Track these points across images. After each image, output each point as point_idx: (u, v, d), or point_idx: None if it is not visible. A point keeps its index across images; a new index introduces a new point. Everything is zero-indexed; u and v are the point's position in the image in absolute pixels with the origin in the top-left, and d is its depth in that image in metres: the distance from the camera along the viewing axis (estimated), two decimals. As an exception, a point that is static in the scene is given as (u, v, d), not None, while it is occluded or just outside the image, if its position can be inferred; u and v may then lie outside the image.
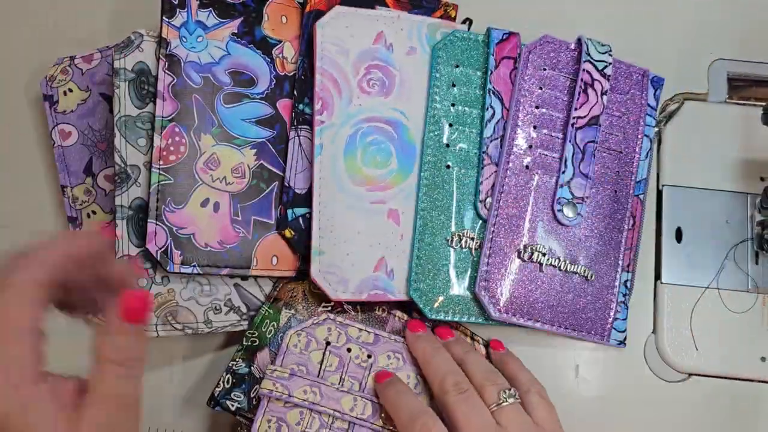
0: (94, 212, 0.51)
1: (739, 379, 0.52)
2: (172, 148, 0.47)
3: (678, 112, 0.56)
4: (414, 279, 0.48)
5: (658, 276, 0.53)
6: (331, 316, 0.48)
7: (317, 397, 0.44)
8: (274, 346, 0.47)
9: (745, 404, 0.51)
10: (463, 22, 0.53)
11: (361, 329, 0.48)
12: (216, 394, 0.46)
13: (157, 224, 0.46)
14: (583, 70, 0.50)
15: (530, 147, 0.50)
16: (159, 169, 0.46)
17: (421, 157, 0.50)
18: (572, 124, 0.50)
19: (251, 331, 0.47)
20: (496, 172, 0.50)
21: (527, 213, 0.50)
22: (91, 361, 0.34)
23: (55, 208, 0.53)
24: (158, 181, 0.46)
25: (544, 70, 0.51)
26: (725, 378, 0.52)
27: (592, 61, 0.50)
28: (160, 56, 0.47)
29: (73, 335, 0.40)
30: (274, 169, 0.50)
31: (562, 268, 0.49)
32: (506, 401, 0.42)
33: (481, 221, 0.50)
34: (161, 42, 0.47)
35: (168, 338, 0.47)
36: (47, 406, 0.31)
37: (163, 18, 0.47)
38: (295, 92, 0.50)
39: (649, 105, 0.53)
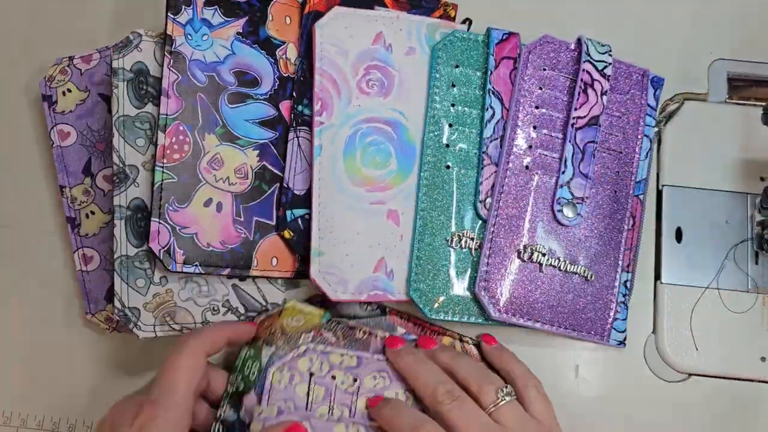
0: (92, 212, 0.51)
1: (739, 379, 0.52)
2: (176, 147, 0.47)
3: (678, 112, 0.56)
4: (414, 279, 0.48)
5: (658, 276, 0.53)
6: (311, 346, 0.45)
7: None
8: (259, 387, 0.44)
9: (745, 404, 0.51)
10: (463, 22, 0.53)
11: (343, 354, 0.46)
12: None
13: (160, 223, 0.46)
14: (583, 70, 0.50)
15: (530, 147, 0.50)
16: (163, 167, 0.46)
17: (421, 157, 0.50)
18: (572, 125, 0.50)
19: (234, 376, 0.45)
20: (496, 172, 0.50)
21: (527, 213, 0.50)
22: None
23: (54, 208, 0.53)
24: (162, 179, 0.46)
25: (544, 70, 0.51)
26: (725, 378, 0.52)
27: (592, 61, 0.50)
28: (165, 53, 0.47)
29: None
30: (276, 171, 0.50)
31: (562, 268, 0.49)
32: (504, 400, 0.42)
33: (480, 221, 0.50)
34: (166, 39, 0.47)
35: (166, 339, 0.47)
36: None
37: (168, 14, 0.47)
38: (294, 93, 0.50)
39: (649, 105, 0.52)
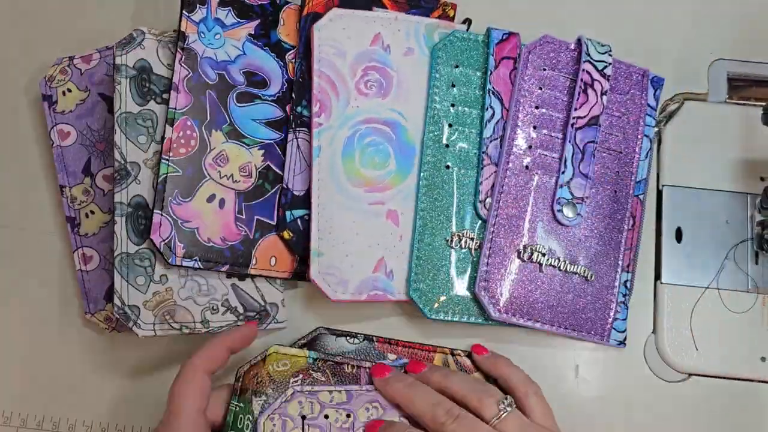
0: (92, 212, 0.51)
1: (739, 379, 0.52)
2: (182, 141, 0.47)
3: (678, 112, 0.55)
4: (414, 279, 0.48)
5: (658, 276, 0.53)
6: (298, 388, 0.44)
7: None
8: None
9: (745, 404, 0.51)
10: (463, 22, 0.53)
11: (331, 390, 0.45)
12: None
13: (162, 215, 0.46)
14: (583, 70, 0.50)
15: (530, 147, 0.50)
16: (168, 160, 0.47)
17: (421, 157, 0.50)
18: (572, 125, 0.50)
19: None
20: (495, 172, 0.50)
21: (527, 213, 0.50)
22: None
23: (54, 207, 0.53)
24: (167, 172, 0.46)
25: (544, 70, 0.51)
26: (725, 378, 0.52)
27: (591, 61, 0.50)
28: (177, 49, 0.47)
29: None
30: (280, 172, 0.50)
31: (561, 268, 0.49)
32: (506, 411, 0.42)
33: (480, 221, 0.50)
34: (179, 35, 0.48)
35: (166, 337, 0.47)
36: None
37: (183, 12, 0.48)
38: (293, 95, 0.50)
39: (649, 105, 0.52)
